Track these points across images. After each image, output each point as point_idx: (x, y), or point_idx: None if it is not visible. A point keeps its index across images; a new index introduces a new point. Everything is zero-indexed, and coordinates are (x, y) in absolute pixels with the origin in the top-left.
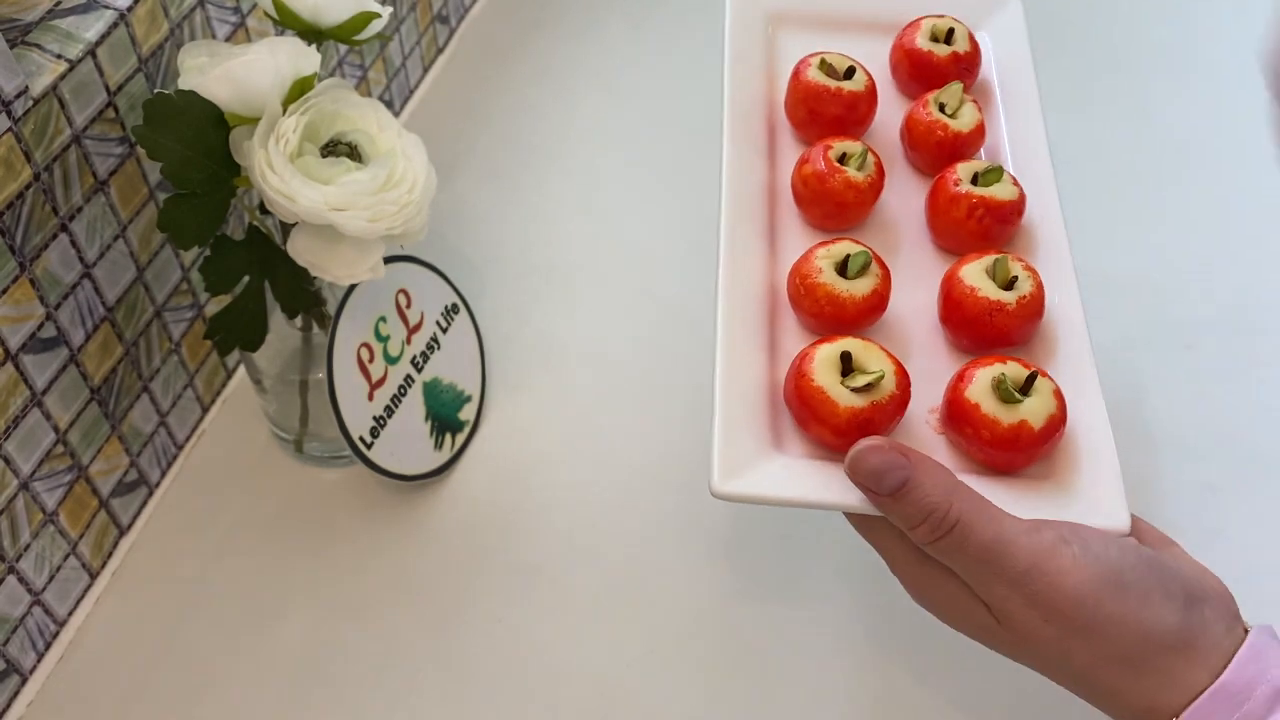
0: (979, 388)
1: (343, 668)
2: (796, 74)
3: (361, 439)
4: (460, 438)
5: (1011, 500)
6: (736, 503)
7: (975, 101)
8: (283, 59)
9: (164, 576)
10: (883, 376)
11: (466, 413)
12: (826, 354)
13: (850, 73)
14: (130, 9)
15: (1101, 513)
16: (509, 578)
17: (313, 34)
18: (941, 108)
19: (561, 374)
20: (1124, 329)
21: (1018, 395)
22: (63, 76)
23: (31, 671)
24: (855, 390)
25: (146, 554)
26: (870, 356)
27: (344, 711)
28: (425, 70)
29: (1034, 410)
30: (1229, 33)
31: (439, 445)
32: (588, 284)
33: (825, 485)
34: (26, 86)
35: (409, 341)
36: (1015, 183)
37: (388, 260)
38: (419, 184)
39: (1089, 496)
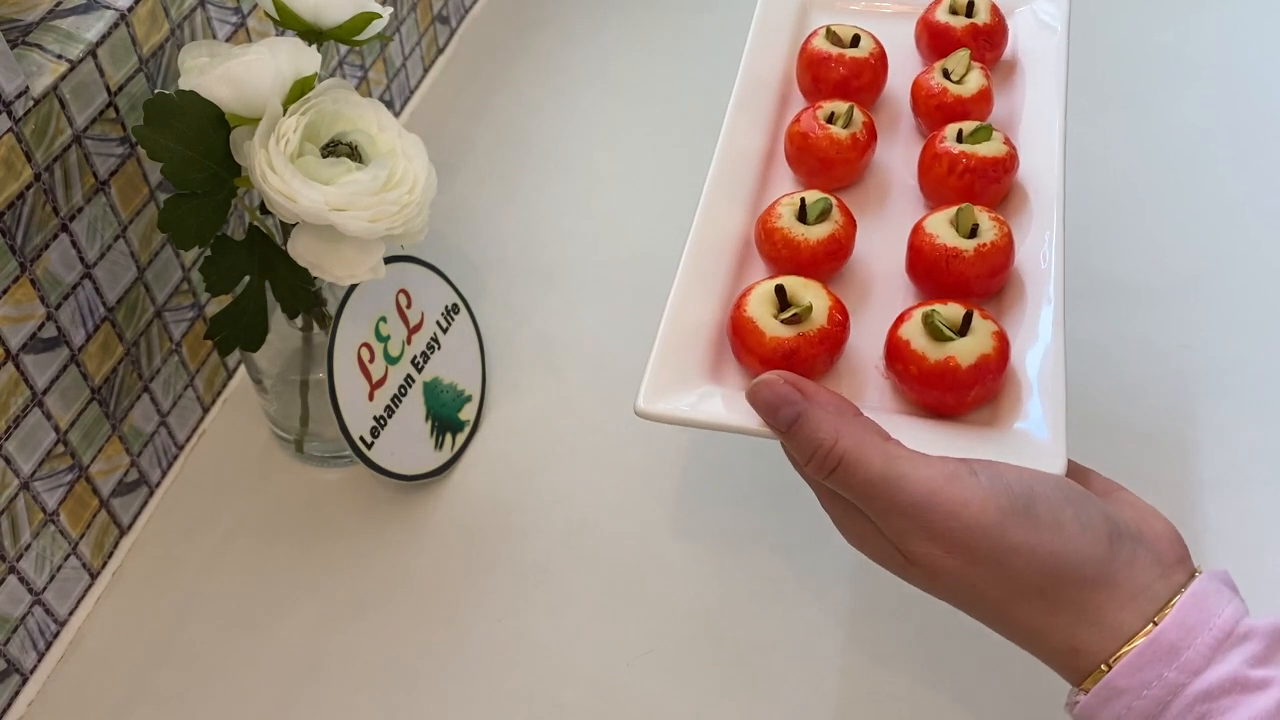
0: (912, 325)
1: (343, 667)
2: (805, 44)
3: (362, 439)
4: (460, 438)
5: (946, 441)
6: (657, 422)
7: (983, 69)
8: (283, 59)
9: (164, 576)
10: (810, 309)
11: (467, 413)
12: (764, 289)
13: (855, 41)
14: (131, 9)
15: (1035, 454)
16: (509, 577)
17: (313, 34)
18: (947, 74)
19: (561, 374)
20: (1124, 329)
21: (949, 333)
22: (63, 77)
23: (32, 671)
24: (784, 322)
25: (147, 554)
26: (806, 292)
27: (344, 711)
28: (425, 70)
29: (965, 349)
30: (1230, 36)
31: (439, 445)
32: (588, 284)
33: (739, 412)
34: (27, 87)
35: (409, 341)
36: (1007, 142)
37: (388, 260)
38: (419, 184)
39: (1026, 439)
